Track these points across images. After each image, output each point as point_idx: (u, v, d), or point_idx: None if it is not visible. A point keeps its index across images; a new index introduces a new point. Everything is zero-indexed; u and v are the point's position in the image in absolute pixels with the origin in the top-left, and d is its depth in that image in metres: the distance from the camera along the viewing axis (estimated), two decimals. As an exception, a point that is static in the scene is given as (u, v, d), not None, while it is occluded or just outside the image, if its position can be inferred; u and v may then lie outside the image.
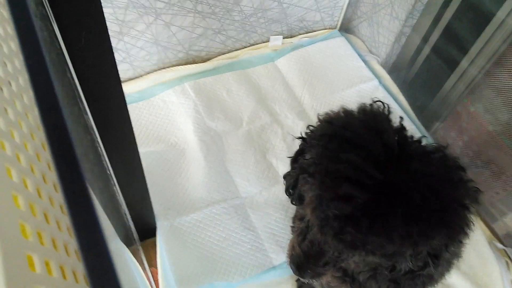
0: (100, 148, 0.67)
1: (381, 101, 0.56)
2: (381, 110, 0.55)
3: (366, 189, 0.46)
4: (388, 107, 0.56)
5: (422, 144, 0.54)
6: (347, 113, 0.55)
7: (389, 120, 0.54)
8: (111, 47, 0.53)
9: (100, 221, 0.19)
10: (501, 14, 1.11)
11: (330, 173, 0.48)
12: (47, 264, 0.25)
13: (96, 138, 0.64)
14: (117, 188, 0.79)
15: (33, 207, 0.27)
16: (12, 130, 0.30)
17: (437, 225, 0.47)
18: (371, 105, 0.55)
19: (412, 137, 0.54)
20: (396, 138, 0.51)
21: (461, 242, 0.51)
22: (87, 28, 0.49)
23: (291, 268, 0.60)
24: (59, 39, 0.48)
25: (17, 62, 0.35)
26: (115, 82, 0.58)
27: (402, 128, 0.54)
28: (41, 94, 0.21)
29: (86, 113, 0.59)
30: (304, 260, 0.57)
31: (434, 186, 0.47)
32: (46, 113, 0.21)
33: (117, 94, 0.60)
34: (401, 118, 0.56)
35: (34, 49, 0.24)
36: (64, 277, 0.26)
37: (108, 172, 0.74)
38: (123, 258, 0.74)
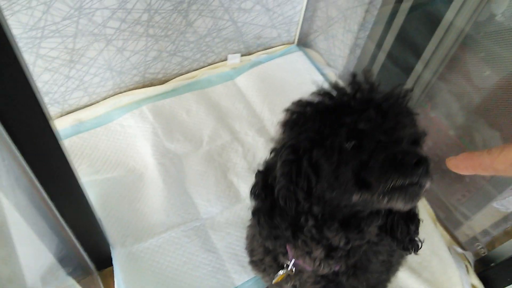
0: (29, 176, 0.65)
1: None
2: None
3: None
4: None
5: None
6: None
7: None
8: (29, 85, 0.53)
9: None
10: (449, 15, 1.12)
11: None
12: None
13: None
14: (61, 220, 0.78)
15: None
16: None
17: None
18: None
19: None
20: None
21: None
22: (2, 71, 0.49)
23: None
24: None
25: None
26: (41, 118, 0.57)
27: None
28: None
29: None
30: None
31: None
32: None
33: (45, 130, 0.59)
34: None
35: None
36: None
37: (47, 202, 0.73)
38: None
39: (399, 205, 0.47)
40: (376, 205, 0.50)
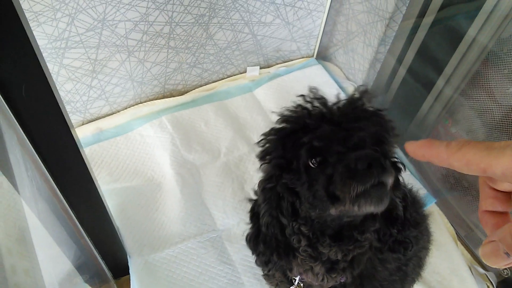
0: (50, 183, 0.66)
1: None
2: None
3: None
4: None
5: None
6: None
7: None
8: (54, 96, 0.54)
9: None
10: (472, 31, 1.11)
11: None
12: None
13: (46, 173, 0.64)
14: (80, 228, 0.79)
15: None
16: None
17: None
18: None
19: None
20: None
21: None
22: (27, 81, 0.50)
23: None
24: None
25: None
26: (63, 129, 0.59)
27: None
28: None
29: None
30: None
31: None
32: None
33: (67, 140, 0.60)
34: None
35: None
36: None
37: (67, 210, 0.74)
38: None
39: (370, 209, 0.48)
40: (352, 213, 0.51)
